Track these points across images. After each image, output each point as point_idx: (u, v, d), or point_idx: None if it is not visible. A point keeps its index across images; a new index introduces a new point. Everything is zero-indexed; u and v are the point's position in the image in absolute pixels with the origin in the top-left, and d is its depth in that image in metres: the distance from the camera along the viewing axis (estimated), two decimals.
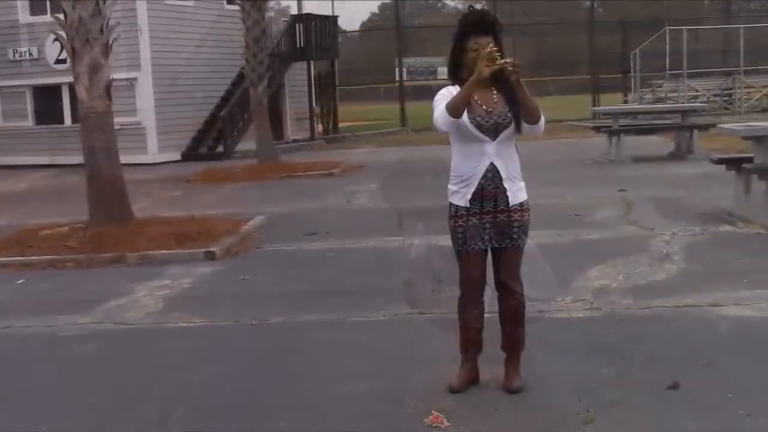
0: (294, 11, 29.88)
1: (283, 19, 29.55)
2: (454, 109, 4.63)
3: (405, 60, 35.09)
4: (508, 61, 4.56)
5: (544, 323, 6.29)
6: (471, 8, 4.86)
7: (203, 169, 18.94)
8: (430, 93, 39.23)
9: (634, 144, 18.36)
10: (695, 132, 17.05)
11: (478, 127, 4.72)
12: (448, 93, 4.79)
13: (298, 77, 27.74)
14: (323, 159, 20.54)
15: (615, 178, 14.32)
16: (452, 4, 74.75)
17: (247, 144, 22.83)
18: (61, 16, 10.89)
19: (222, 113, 23.32)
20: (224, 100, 24.36)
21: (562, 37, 55.98)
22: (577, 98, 38.10)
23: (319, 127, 29.52)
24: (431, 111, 4.80)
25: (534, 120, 4.72)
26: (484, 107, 4.74)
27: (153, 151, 22.56)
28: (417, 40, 52.46)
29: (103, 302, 7.71)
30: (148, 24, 21.91)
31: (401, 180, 16.13)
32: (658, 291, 7.07)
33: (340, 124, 31.02)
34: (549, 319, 6.43)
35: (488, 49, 4.57)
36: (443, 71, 38.00)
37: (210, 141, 23.91)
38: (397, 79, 34.59)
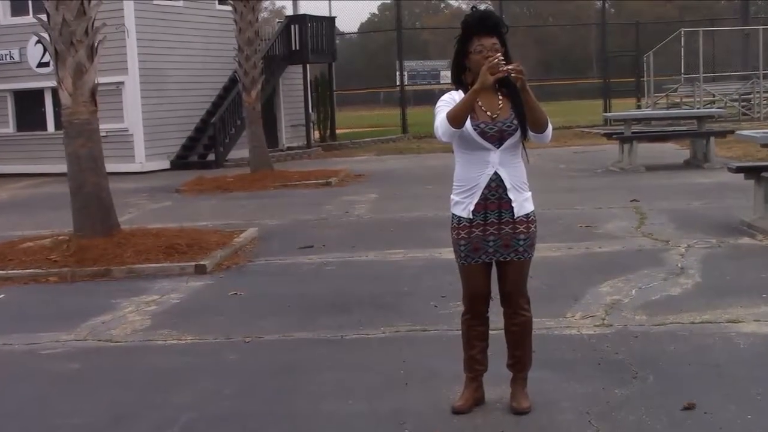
0: (289, 12, 29.96)
1: (278, 20, 29.62)
2: (456, 118, 4.61)
3: (406, 63, 35.13)
4: (511, 67, 4.54)
5: (553, 341, 6.30)
6: (474, 8, 4.86)
7: (193, 178, 18.96)
8: (432, 98, 39.40)
9: (648, 152, 18.41)
10: (712, 139, 17.07)
11: (482, 134, 4.70)
12: (450, 99, 4.77)
13: (293, 81, 27.77)
14: (320, 168, 20.56)
15: (627, 187, 14.33)
16: (456, 4, 75.01)
17: (239, 152, 22.88)
18: (44, 17, 10.92)
19: (213, 119, 23.36)
20: (215, 105, 24.40)
21: (571, 38, 56.16)
22: (588, 103, 38.22)
23: (316, 134, 29.55)
24: (433, 117, 4.78)
25: (540, 128, 4.72)
26: (488, 113, 4.73)
27: (140, 159, 22.59)
28: (419, 42, 52.58)
29: (88, 318, 7.71)
30: (135, 25, 21.97)
31: (402, 190, 16.15)
32: (673, 306, 7.08)
33: (338, 131, 31.04)
34: (558, 337, 6.44)
35: (492, 58, 4.56)
36: (446, 75, 38.34)
37: (201, 149, 23.94)
38: (397, 83, 34.62)
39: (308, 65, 28.01)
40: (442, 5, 79.79)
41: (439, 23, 66.83)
